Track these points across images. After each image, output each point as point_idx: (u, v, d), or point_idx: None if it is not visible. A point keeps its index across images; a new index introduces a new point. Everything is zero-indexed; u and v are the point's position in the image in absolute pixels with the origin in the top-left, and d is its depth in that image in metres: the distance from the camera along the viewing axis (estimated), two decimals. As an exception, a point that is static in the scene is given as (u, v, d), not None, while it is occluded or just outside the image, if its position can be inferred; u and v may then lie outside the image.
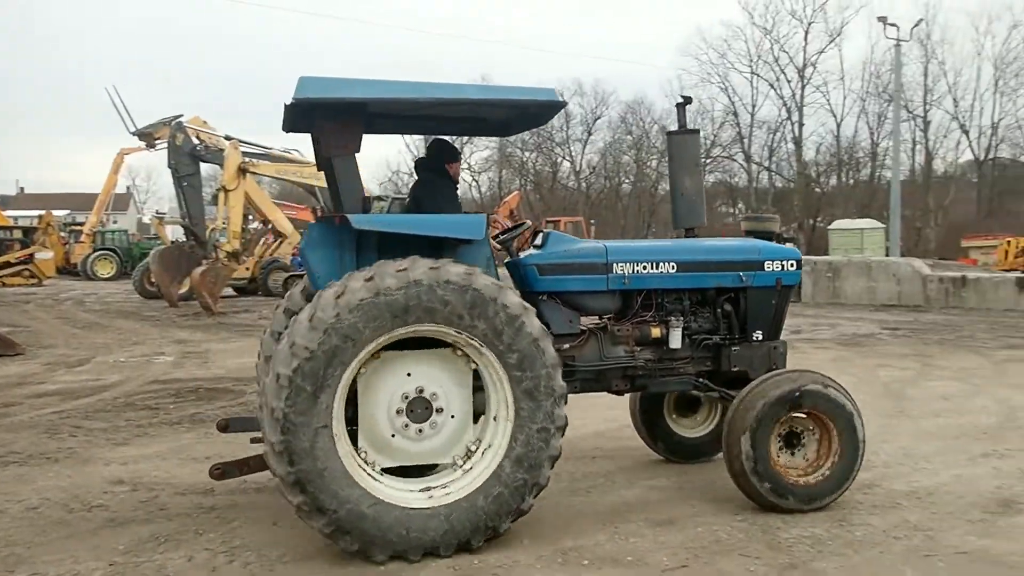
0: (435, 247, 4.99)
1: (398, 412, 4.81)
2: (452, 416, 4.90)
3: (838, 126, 66.79)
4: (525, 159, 78.91)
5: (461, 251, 5.15)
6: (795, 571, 4.49)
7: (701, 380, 6.08)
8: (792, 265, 6.21)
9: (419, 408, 4.83)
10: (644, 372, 5.89)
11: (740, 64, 66.46)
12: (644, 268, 5.84)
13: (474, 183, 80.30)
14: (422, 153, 6.30)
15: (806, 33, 63.95)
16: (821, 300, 24.87)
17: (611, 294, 5.87)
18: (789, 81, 65.08)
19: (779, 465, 5.41)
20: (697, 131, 6.59)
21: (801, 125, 64.72)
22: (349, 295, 4.53)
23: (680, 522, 5.29)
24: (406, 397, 4.82)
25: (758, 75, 65.83)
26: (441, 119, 6.25)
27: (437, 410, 4.87)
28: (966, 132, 64.77)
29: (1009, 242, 38.40)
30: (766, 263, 6.14)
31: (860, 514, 5.36)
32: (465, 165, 77.84)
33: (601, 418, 8.37)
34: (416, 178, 6.11)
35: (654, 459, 6.78)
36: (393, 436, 4.81)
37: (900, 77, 40.09)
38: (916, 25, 40.02)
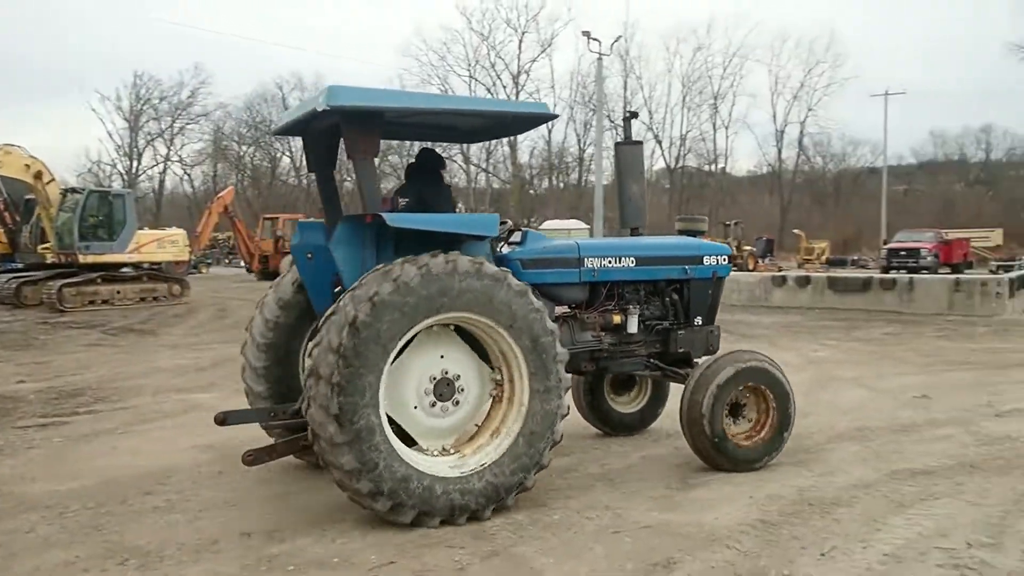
0: (448, 243, 5.44)
1: (426, 392, 5.38)
2: (470, 395, 5.52)
3: (549, 132, 70.31)
4: (242, 153, 75.90)
5: (468, 246, 5.63)
6: (497, 558, 4.65)
7: (652, 360, 6.93)
8: (724, 259, 7.16)
9: (444, 388, 5.43)
10: (607, 355, 6.63)
11: (459, 67, 68.33)
12: (609, 262, 6.54)
13: (186, 177, 75.96)
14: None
15: (520, 42, 67.06)
16: (533, 297, 26.04)
17: (582, 285, 6.52)
18: (505, 87, 67.81)
19: (730, 433, 6.19)
20: (641, 143, 7.41)
21: (516, 130, 67.66)
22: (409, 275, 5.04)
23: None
24: (433, 379, 5.39)
25: (476, 79, 67.98)
26: (437, 127, 6.72)
27: (459, 389, 5.47)
28: (659, 142, 71.11)
29: (695, 242, 42.43)
30: (704, 258, 7.04)
31: (559, 498, 5.67)
32: (176, 158, 73.39)
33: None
34: (408, 181, 6.53)
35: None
36: (416, 409, 5.38)
37: (602, 89, 43.10)
38: (616, 41, 43.10)
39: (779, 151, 71.86)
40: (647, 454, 6.86)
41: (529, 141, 74.26)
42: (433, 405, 5.39)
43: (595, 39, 36.14)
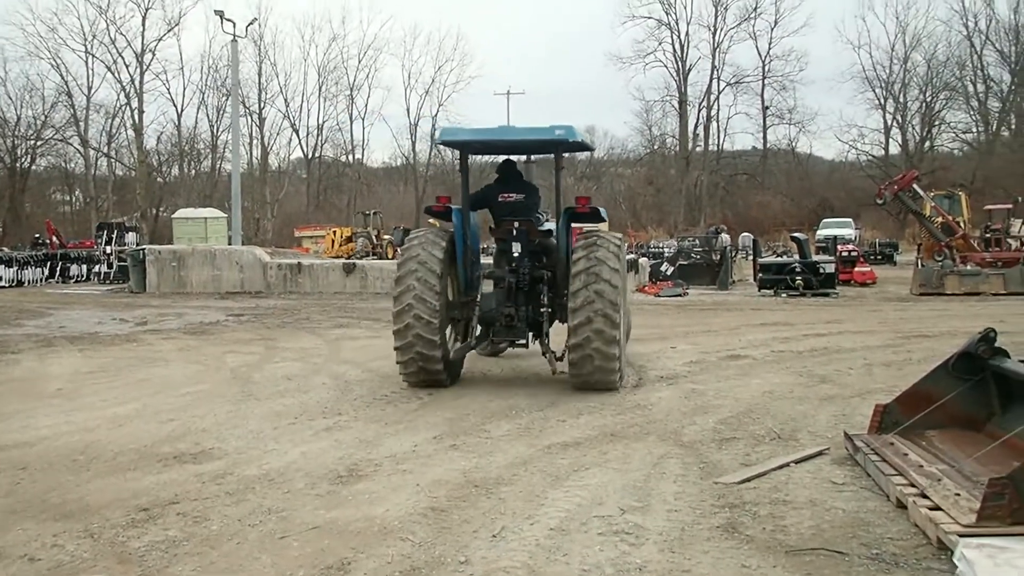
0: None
1: None
2: None
3: (179, 116, 66.26)
4: None
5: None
6: (150, 582, 4.14)
7: None
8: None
9: None
10: None
11: (73, 41, 61.66)
12: None
13: None
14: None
15: (144, 18, 61.99)
16: (167, 290, 24.37)
17: None
18: (128, 65, 62.37)
19: None
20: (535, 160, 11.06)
21: (141, 112, 62.60)
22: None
23: (12, 552, 4.52)
24: None
25: (94, 55, 61.78)
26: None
27: None
28: (296, 131, 69.75)
29: (335, 232, 42.50)
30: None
31: (216, 506, 5.20)
32: None
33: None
34: (505, 184, 9.35)
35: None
36: None
37: (237, 73, 41.14)
38: (250, 24, 41.64)
39: (413, 144, 73.80)
40: (306, 449, 6.57)
41: (156, 125, 69.28)
42: None
43: (229, 20, 34.43)
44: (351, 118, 71.09)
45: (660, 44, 66.87)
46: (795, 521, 4.76)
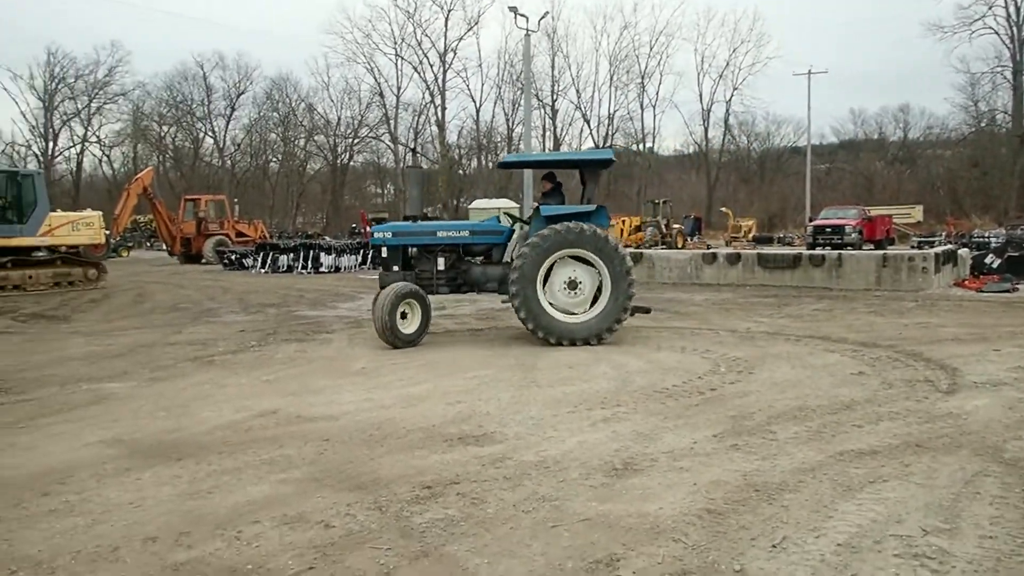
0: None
1: None
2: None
3: (477, 111, 69.96)
4: (163, 133, 73.76)
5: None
6: (427, 559, 4.27)
7: None
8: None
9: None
10: None
11: (385, 45, 67.30)
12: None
13: (105, 158, 73.46)
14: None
15: (446, 19, 66.22)
16: (464, 277, 25.69)
17: None
18: (432, 65, 67.03)
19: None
20: (421, 167, 14.92)
21: (444, 109, 66.96)
22: None
23: (312, 517, 4.89)
24: None
25: (402, 58, 67.06)
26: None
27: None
28: (587, 121, 71.12)
29: (624, 221, 42.74)
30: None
31: (493, 489, 5.32)
32: (94, 139, 70.82)
33: (233, 408, 7.75)
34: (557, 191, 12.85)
35: (285, 452, 6.29)
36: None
37: (530, 67, 42.58)
38: (543, 18, 42.81)
39: (706, 130, 72.64)
40: (584, 439, 6.55)
41: (457, 120, 73.38)
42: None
43: (522, 15, 35.64)
44: (642, 106, 71.41)
45: (991, 8, 60.13)
46: None
